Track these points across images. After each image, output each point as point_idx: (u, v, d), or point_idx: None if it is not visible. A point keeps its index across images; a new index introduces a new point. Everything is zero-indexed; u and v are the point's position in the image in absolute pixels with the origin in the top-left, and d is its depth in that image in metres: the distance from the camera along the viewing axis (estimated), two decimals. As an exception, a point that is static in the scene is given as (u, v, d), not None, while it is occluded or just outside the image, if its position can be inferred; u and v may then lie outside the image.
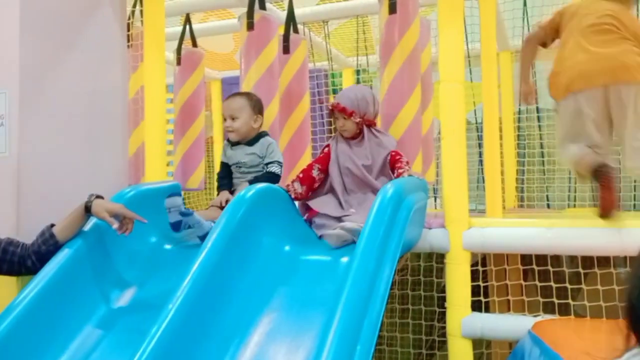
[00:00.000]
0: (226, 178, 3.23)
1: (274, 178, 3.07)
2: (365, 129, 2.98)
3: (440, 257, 3.70)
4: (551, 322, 2.58)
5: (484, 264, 3.02)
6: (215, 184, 3.36)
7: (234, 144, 3.21)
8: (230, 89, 3.51)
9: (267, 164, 3.12)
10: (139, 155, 3.87)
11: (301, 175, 2.97)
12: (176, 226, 2.71)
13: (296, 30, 4.20)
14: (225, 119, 3.17)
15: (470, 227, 2.81)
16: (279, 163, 3.16)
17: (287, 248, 2.50)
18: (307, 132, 4.21)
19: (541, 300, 2.81)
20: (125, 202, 2.51)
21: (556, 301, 2.80)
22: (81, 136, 2.94)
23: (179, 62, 4.53)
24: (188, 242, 2.73)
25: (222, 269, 2.16)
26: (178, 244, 2.73)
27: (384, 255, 2.12)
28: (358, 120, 2.95)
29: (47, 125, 2.78)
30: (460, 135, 2.82)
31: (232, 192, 3.13)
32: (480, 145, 4.76)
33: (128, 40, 3.53)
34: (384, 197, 2.30)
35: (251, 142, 3.17)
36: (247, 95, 3.25)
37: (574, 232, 2.66)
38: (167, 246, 2.72)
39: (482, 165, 4.65)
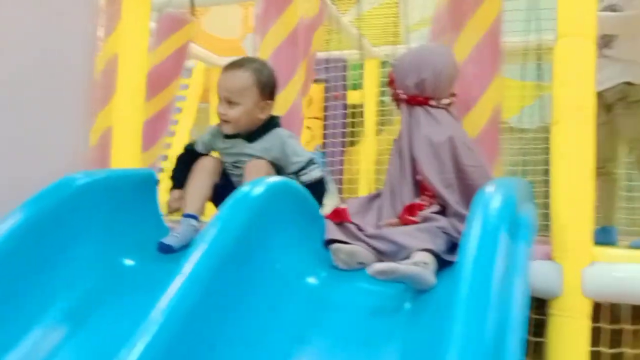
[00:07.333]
0: (185, 171, 2.18)
1: (322, 188, 2.12)
2: None
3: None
4: None
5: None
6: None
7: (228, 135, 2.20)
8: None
9: (298, 172, 2.11)
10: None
11: None
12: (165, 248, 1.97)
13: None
14: (220, 100, 2.15)
15: (592, 263, 1.84)
16: (315, 163, 2.15)
17: (312, 280, 1.74)
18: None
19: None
20: (73, 193, 1.87)
21: None
22: (23, 97, 2.31)
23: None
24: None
25: (208, 309, 1.40)
26: (146, 260, 1.98)
27: (504, 309, 1.26)
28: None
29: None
30: (586, 116, 1.85)
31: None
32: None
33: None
34: (487, 209, 1.43)
35: (254, 136, 2.15)
36: (255, 68, 2.15)
37: None
38: (129, 262, 1.96)
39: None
